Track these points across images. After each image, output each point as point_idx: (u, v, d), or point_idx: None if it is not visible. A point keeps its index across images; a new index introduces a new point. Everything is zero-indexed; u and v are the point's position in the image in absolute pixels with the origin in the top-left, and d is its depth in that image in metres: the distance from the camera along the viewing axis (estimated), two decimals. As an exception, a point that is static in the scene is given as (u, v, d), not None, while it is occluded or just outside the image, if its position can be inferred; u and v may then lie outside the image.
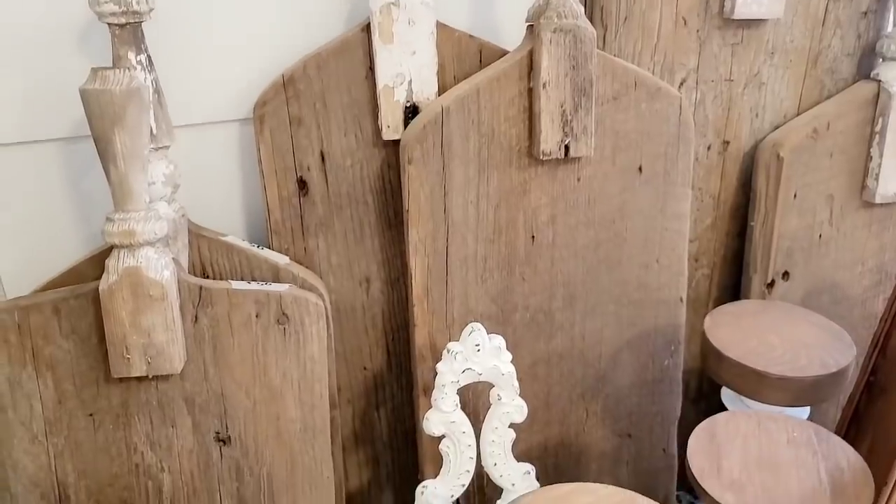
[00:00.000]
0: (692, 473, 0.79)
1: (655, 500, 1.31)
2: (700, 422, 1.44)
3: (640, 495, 0.75)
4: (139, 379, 0.98)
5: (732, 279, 1.33)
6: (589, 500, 0.75)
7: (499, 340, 0.99)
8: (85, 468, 1.00)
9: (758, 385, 0.94)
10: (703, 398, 1.41)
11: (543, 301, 1.13)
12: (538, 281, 1.12)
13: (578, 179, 1.09)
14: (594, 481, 1.26)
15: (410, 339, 1.14)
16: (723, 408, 1.45)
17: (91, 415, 0.99)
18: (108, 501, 1.01)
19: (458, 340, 0.99)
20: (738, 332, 1.04)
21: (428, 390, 1.14)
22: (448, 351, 0.98)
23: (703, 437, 0.84)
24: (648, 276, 1.17)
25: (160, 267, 0.92)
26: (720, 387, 1.47)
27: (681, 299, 1.20)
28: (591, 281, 1.15)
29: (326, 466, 1.07)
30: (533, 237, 1.10)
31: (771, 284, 1.26)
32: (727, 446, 0.83)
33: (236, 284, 1.00)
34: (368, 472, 1.28)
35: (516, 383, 1.01)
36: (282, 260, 1.08)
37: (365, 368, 1.21)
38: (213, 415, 1.01)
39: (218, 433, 1.02)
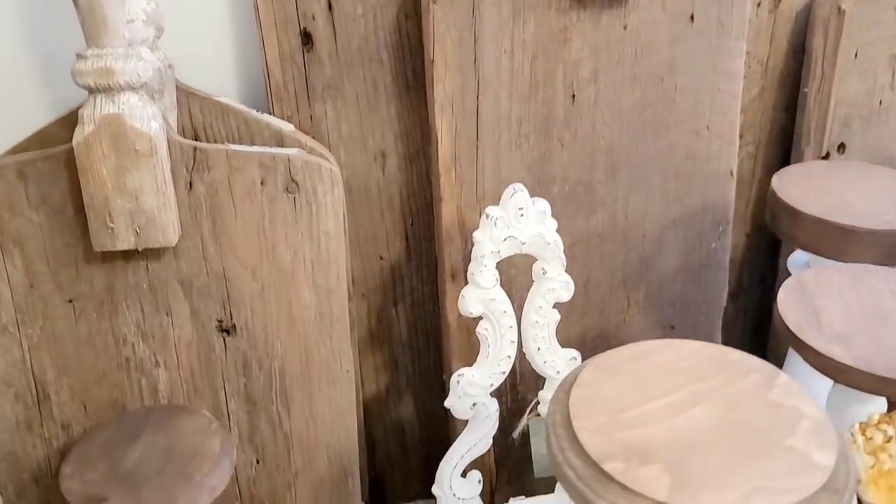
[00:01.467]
0: (788, 329, 0.68)
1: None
2: (740, 317, 1.35)
3: (732, 349, 0.64)
4: (126, 256, 0.84)
5: (779, 157, 1.21)
6: (673, 357, 0.63)
7: (543, 204, 0.86)
8: (66, 363, 0.86)
9: (843, 243, 0.83)
10: (741, 293, 1.30)
11: (584, 172, 1.00)
12: (578, 148, 0.99)
13: (624, 27, 0.95)
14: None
15: (435, 217, 1.00)
16: (766, 304, 1.35)
17: (70, 301, 0.84)
18: (95, 402, 0.87)
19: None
20: (812, 190, 0.92)
21: (456, 275, 1.01)
22: (487, 216, 0.84)
23: (793, 292, 0.73)
24: (698, 145, 1.04)
25: (146, 117, 0.77)
26: (762, 280, 1.37)
27: (731, 172, 1.08)
28: (636, 149, 1.02)
29: (346, 359, 0.94)
30: (573, 96, 0.96)
31: (825, 158, 1.14)
32: (822, 301, 0.72)
33: (236, 147, 0.86)
34: (386, 377, 1.15)
35: (563, 255, 0.88)
36: (286, 126, 0.94)
37: (381, 258, 1.07)
38: (214, 300, 0.88)
39: (220, 322, 0.89)
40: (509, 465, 1.13)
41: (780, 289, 0.74)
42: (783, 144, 1.21)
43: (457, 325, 1.03)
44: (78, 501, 0.67)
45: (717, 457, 0.54)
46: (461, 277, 1.00)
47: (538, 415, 1.00)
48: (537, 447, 1.07)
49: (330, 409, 0.95)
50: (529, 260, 0.95)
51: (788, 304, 0.71)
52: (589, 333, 1.09)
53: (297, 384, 0.93)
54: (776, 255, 1.28)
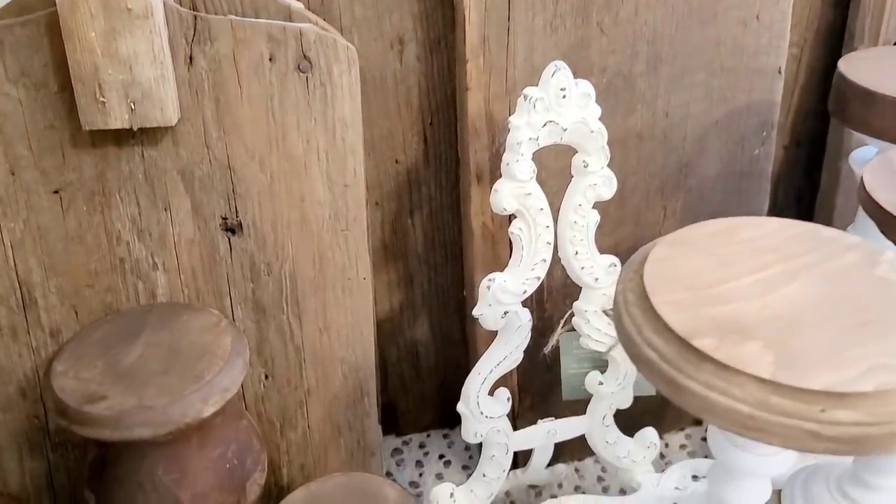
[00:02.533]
0: (880, 209, 0.60)
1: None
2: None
3: (823, 226, 0.56)
4: (118, 141, 0.74)
5: (827, 59, 1.12)
6: (757, 234, 0.55)
7: (587, 86, 0.77)
8: (54, 263, 0.77)
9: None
10: (776, 211, 1.22)
11: (624, 62, 0.91)
12: (619, 34, 0.89)
13: None
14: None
15: (459, 110, 0.91)
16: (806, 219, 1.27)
17: (57, 192, 0.75)
18: (87, 306, 0.79)
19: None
20: (885, 73, 0.84)
21: (482, 177, 0.92)
22: (525, 98, 0.75)
23: (880, 172, 0.65)
24: (746, 37, 0.95)
25: (139, -29, 0.67)
26: (797, 199, 1.29)
27: (779, 70, 0.99)
28: (681, 38, 0.92)
29: (363, 265, 0.85)
30: (616, -27, 0.86)
31: (880, 56, 1.05)
32: (912, 182, 0.64)
33: (241, 18, 0.76)
34: (400, 295, 1.07)
35: (607, 146, 0.80)
36: (295, 3, 0.84)
37: (397, 162, 0.98)
38: (218, 193, 0.78)
39: (225, 219, 0.80)
40: (533, 389, 1.06)
41: (865, 170, 0.66)
42: (830, 45, 1.12)
43: (481, 235, 0.95)
44: (73, 399, 0.58)
45: (826, 334, 0.46)
46: (487, 179, 0.91)
47: (570, 330, 0.92)
48: (567, 366, 0.99)
49: (345, 319, 0.87)
50: (562, 161, 0.86)
51: (876, 183, 0.63)
52: (622, 246, 1.00)
53: (309, 291, 0.84)
54: (814, 171, 1.20)
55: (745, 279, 0.51)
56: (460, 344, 1.13)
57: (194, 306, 0.73)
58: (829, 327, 0.47)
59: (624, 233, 1.00)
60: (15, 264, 0.76)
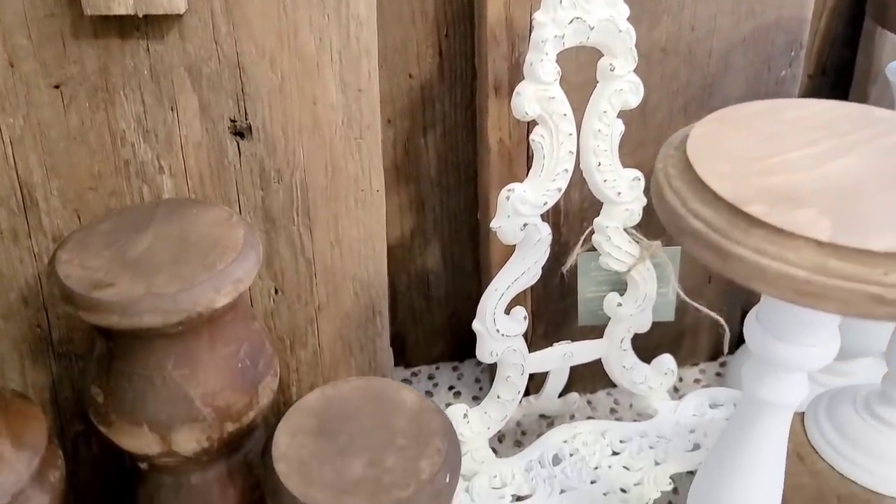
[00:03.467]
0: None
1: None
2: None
3: (875, 107, 0.53)
4: (122, 33, 0.71)
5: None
6: (804, 114, 0.52)
7: (616, -18, 0.73)
8: (55, 163, 0.73)
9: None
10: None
11: (650, -32, 0.87)
12: (646, -62, 0.85)
13: None
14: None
15: (477, 16, 0.87)
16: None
17: (58, 87, 0.71)
18: (90, 210, 0.75)
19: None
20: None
21: (500, 88, 0.88)
22: (551, -7, 0.72)
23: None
24: (777, -53, 0.91)
25: None
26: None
27: (810, -16, 0.95)
28: (710, -54, 0.88)
29: (376, 176, 0.82)
30: None
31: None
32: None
33: None
34: (411, 219, 1.04)
35: (634, 49, 0.76)
36: None
37: (410, 76, 0.95)
38: (226, 93, 0.75)
39: (234, 121, 0.76)
40: (547, 317, 1.03)
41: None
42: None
43: (497, 151, 0.92)
44: (79, 286, 0.55)
45: (886, 200, 0.43)
46: (505, 91, 0.88)
47: (590, 250, 0.89)
48: (584, 289, 0.97)
49: (357, 234, 0.84)
50: (584, 74, 0.83)
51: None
52: (644, 167, 0.96)
53: (321, 201, 0.81)
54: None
55: (794, 153, 0.48)
56: (472, 275, 1.10)
57: (203, 202, 0.70)
58: (889, 195, 0.44)
59: (646, 153, 0.97)
60: (15, 163, 0.73)
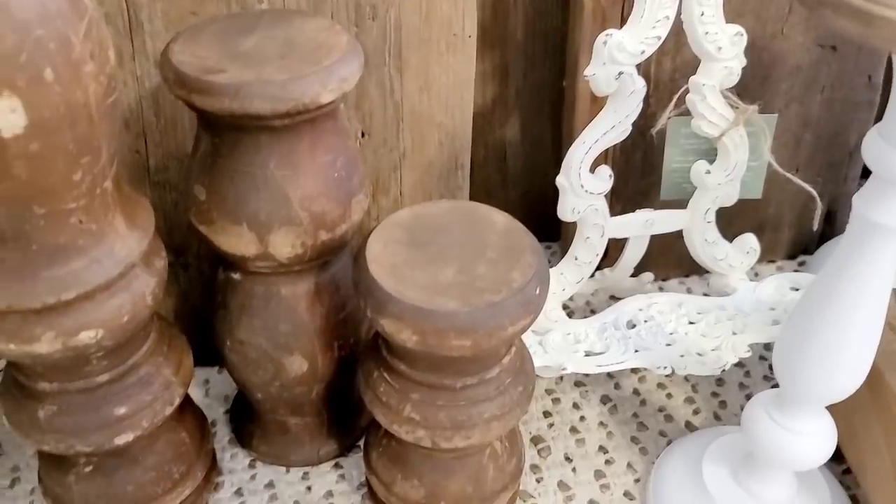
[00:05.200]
0: None
1: (844, 143, 1.07)
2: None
3: None
4: None
5: None
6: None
7: None
8: (159, -18, 0.75)
9: None
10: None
11: None
12: None
13: None
14: (782, 104, 1.01)
15: None
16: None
17: None
18: (191, 34, 0.77)
19: None
20: None
21: (600, -60, 0.86)
22: None
23: None
24: None
25: None
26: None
27: None
28: None
29: (469, 21, 0.81)
30: None
31: None
32: None
33: None
34: (494, 87, 1.03)
35: None
36: None
37: (506, -68, 0.93)
38: (328, -80, 0.75)
39: (334, -50, 0.76)
40: (626, 194, 1.02)
41: None
42: None
43: (591, 11, 0.89)
44: (193, 70, 0.57)
45: None
46: (605, -57, 0.85)
47: (682, 115, 0.87)
48: (670, 159, 0.95)
49: (446, 80, 0.84)
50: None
51: None
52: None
53: (413, 43, 0.81)
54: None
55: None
56: (550, 151, 1.09)
57: (306, 12, 0.70)
58: None
59: (743, 25, 0.93)
60: (122, -21, 0.74)
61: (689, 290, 1.10)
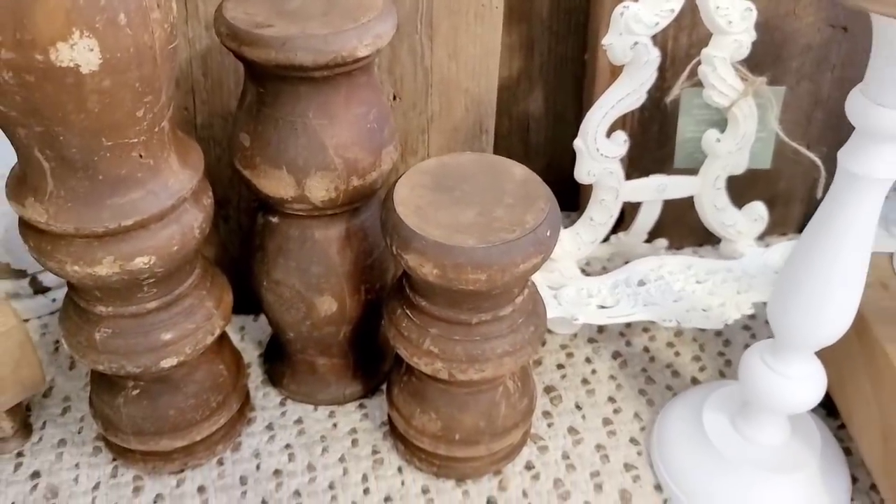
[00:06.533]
0: None
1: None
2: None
3: None
4: None
5: None
6: None
7: None
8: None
9: None
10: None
11: None
12: None
13: None
14: (793, 81, 1.05)
15: None
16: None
17: None
18: (239, -1, 0.83)
19: None
20: None
21: (622, -82, 0.91)
22: None
23: None
24: None
25: None
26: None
27: None
28: None
29: (497, -7, 0.87)
30: None
31: None
32: None
33: None
34: (519, 61, 1.09)
35: None
36: None
37: (533, -89, 0.98)
38: None
39: (372, -76, 0.82)
40: (642, 165, 1.06)
41: None
42: None
43: (612, -13, 0.94)
44: (244, 25, 0.63)
45: None
46: (627, -78, 0.90)
47: (694, 86, 0.92)
48: (684, 129, 1.00)
49: (473, 49, 0.89)
50: None
51: None
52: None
53: (443, 13, 0.86)
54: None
55: None
56: (573, 125, 1.14)
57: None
58: None
59: (757, 5, 0.98)
60: (179, -54, 0.81)
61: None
